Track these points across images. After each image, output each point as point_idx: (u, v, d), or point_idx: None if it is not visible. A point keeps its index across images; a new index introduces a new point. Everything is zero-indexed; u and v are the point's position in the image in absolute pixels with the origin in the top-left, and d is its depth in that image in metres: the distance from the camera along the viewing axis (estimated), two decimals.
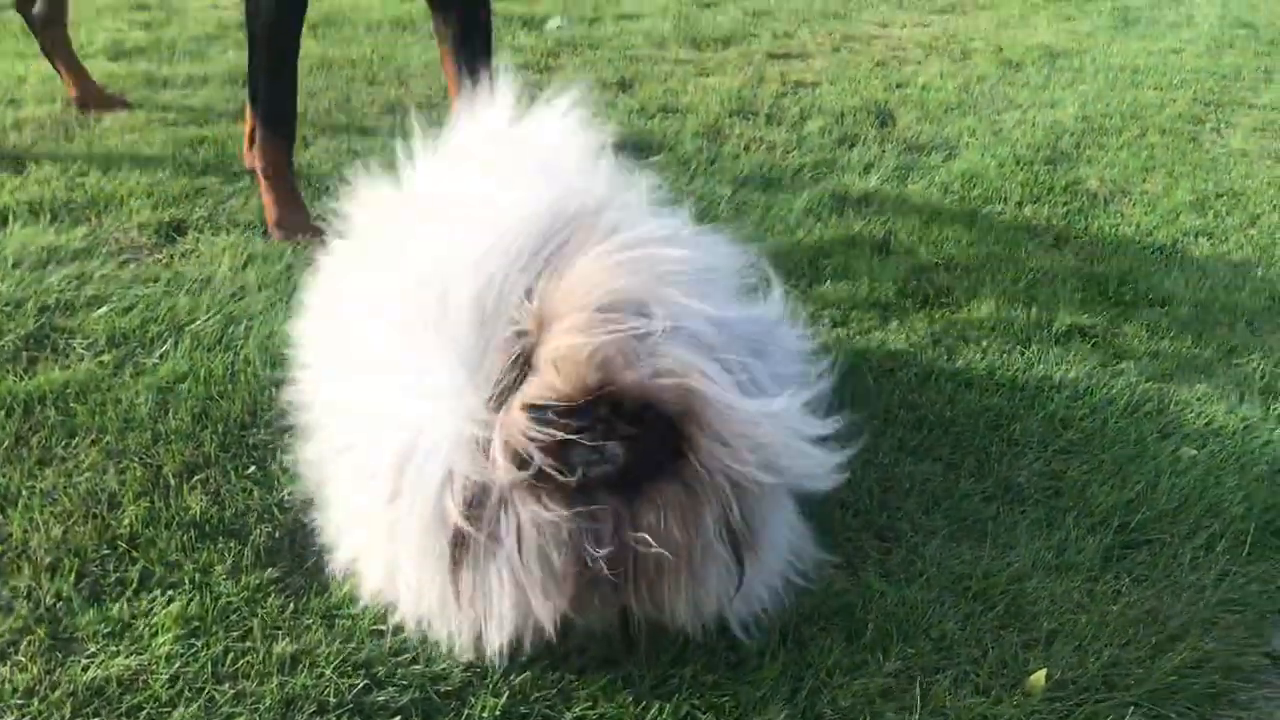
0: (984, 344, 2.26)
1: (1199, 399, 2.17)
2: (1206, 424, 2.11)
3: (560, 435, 1.26)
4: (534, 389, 1.29)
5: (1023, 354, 2.25)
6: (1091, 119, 3.51)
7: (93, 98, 2.94)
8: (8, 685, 1.33)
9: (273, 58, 2.25)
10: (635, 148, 3.05)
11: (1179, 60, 4.23)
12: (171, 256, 2.26)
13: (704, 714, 1.41)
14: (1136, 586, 1.70)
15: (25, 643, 1.39)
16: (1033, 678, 1.53)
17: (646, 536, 1.31)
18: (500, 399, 1.32)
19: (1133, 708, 1.49)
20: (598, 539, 1.31)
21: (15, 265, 2.14)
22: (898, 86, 3.66)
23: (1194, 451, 2.03)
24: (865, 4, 4.65)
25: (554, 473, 1.27)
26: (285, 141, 2.29)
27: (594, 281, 1.34)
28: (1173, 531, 1.82)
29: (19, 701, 1.31)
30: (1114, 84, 3.86)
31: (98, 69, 3.16)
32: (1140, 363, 2.26)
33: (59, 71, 2.94)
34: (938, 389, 2.10)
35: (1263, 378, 2.27)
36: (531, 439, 1.27)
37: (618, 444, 1.27)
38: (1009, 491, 1.87)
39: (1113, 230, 2.80)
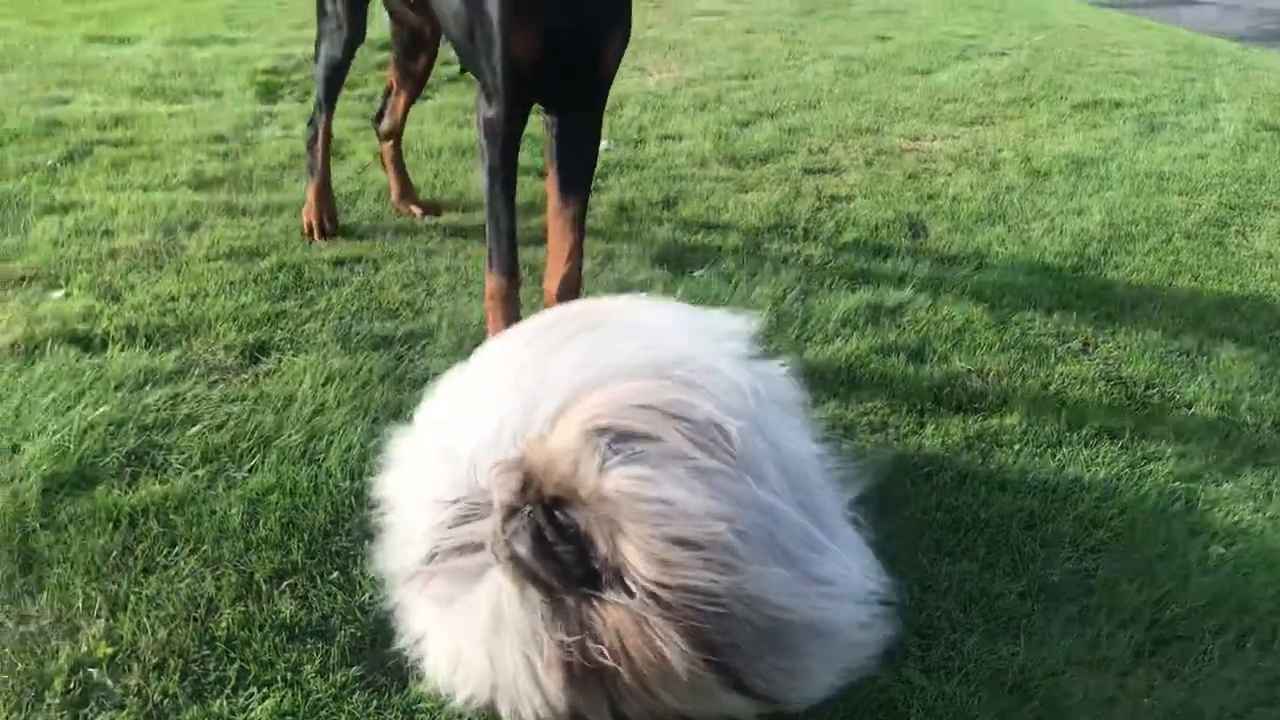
0: (1016, 447, 2.38)
1: (1227, 498, 2.27)
2: (1235, 523, 2.20)
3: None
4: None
5: (1054, 457, 2.36)
6: (1118, 225, 3.65)
7: (409, 200, 3.51)
8: None
9: (491, 208, 2.54)
10: (679, 262, 3.23)
11: (1204, 165, 4.37)
12: (256, 376, 2.45)
13: None
14: (1168, 681, 1.79)
15: None
16: None
17: (601, 647, 1.40)
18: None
19: None
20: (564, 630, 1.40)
21: (117, 388, 2.33)
22: (929, 198, 3.83)
23: (1222, 550, 2.12)
24: (896, 118, 4.85)
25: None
26: (505, 280, 2.52)
27: (596, 406, 1.49)
28: (1203, 628, 1.91)
29: None
30: (1140, 190, 4.01)
31: (183, 201, 3.41)
32: (1168, 464, 2.36)
33: (388, 175, 3.54)
34: (973, 491, 2.22)
35: None
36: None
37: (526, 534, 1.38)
38: (1043, 590, 1.97)
39: (1139, 335, 2.92)
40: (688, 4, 7.60)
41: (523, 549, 1.34)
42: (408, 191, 3.52)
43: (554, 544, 1.35)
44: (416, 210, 3.47)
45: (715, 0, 7.84)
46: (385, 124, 3.50)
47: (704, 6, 7.54)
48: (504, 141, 2.50)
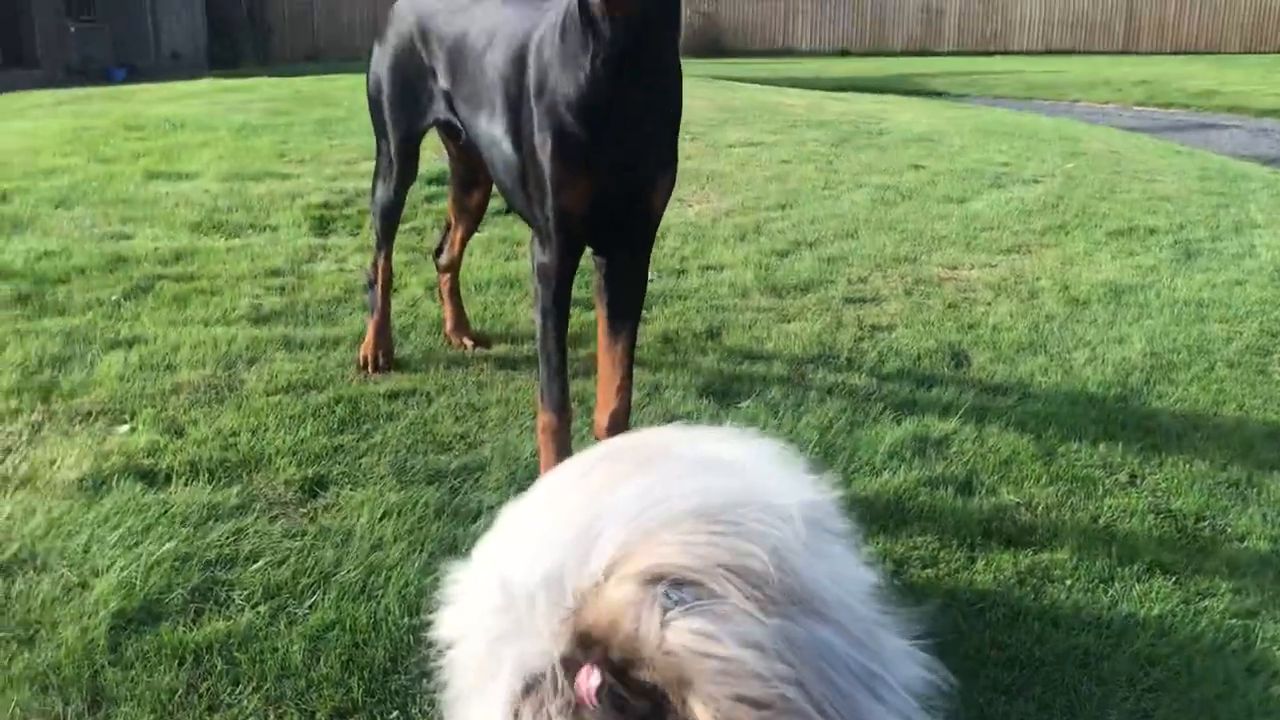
0: (1068, 583, 2.38)
1: None
2: None
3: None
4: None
5: (1106, 592, 2.36)
6: (1159, 354, 3.68)
7: (463, 332, 3.63)
8: None
9: (544, 347, 2.63)
10: (724, 393, 3.29)
11: (1243, 292, 4.41)
12: (315, 511, 2.51)
13: None
14: None
15: None
16: None
17: None
18: None
19: None
20: None
21: (182, 523, 2.39)
22: (970, 327, 3.88)
23: None
24: (934, 247, 4.94)
25: None
26: (556, 416, 2.60)
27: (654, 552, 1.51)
28: None
29: None
30: (1179, 318, 4.04)
31: (243, 335, 3.52)
32: (1223, 600, 2.35)
33: (444, 307, 3.68)
34: (1026, 628, 2.22)
35: None
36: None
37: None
38: None
39: (1187, 466, 2.93)
40: (723, 135, 7.83)
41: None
42: (461, 323, 3.62)
43: (634, 706, 1.36)
44: (469, 342, 3.56)
45: (750, 132, 8.07)
46: (444, 258, 3.62)
47: (739, 138, 7.76)
48: (557, 285, 2.60)
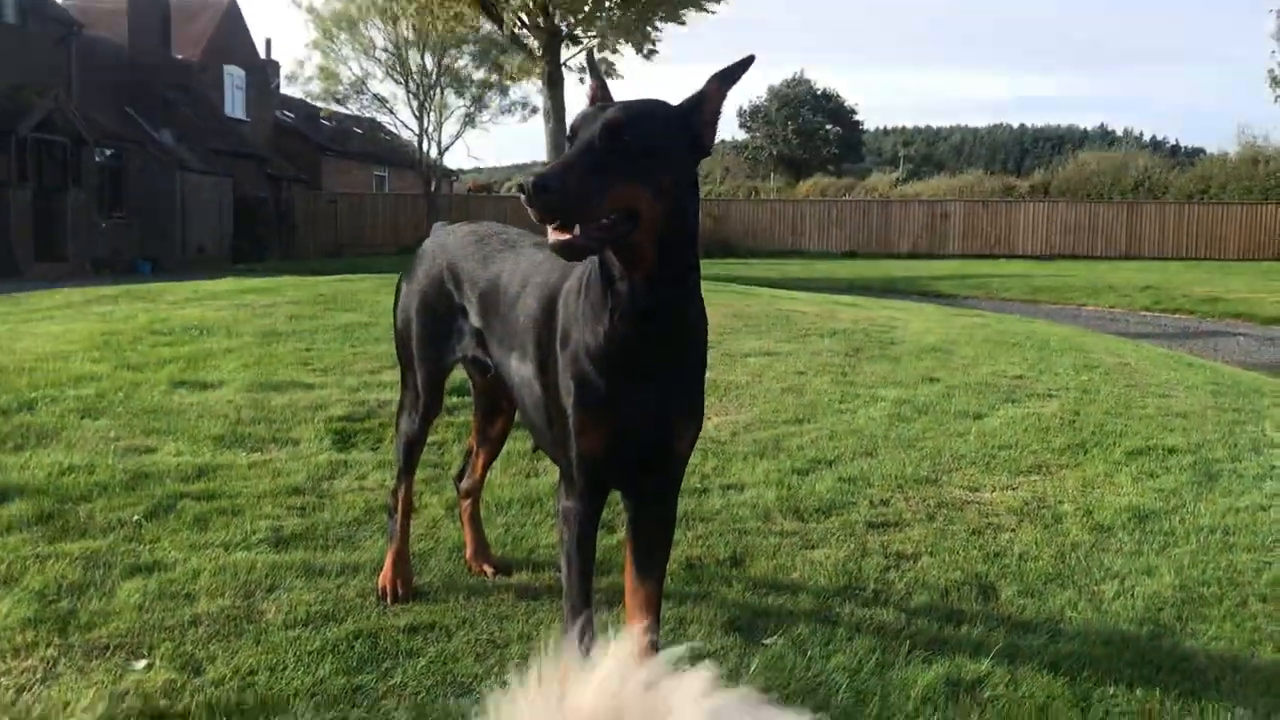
0: None
1: None
2: None
3: None
4: None
5: None
6: (1189, 588, 3.63)
7: (484, 559, 3.60)
8: None
9: (568, 593, 2.61)
10: (750, 628, 3.23)
11: (1268, 517, 4.37)
12: None
13: None
14: None
15: None
16: None
17: None
18: None
19: None
20: None
21: None
22: (995, 556, 3.84)
23: None
24: (954, 467, 4.94)
25: None
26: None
27: None
28: None
29: None
30: (1206, 547, 4.00)
31: (262, 561, 3.50)
32: None
33: (465, 532, 3.66)
34: None
35: None
36: None
37: None
38: None
39: (1228, 714, 2.84)
40: (738, 344, 7.96)
41: None
42: (482, 550, 3.59)
43: None
44: (489, 569, 3.53)
45: (765, 341, 8.21)
46: (465, 483, 3.63)
47: (754, 347, 7.89)
48: (580, 530, 2.60)
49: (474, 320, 3.10)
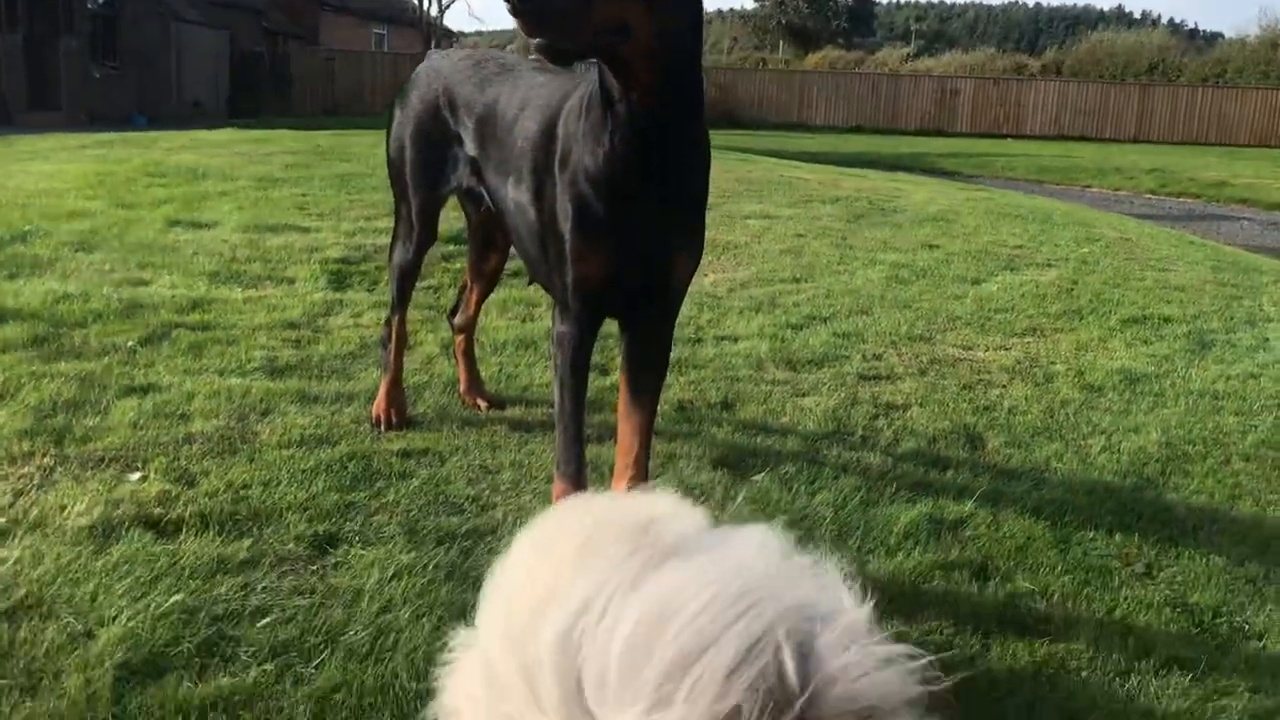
0: (1084, 674, 2.34)
1: None
2: None
3: None
4: None
5: (1123, 686, 2.32)
6: (1174, 445, 3.67)
7: (477, 393, 3.63)
8: None
9: (561, 415, 2.61)
10: (738, 465, 3.27)
11: (1257, 385, 4.40)
12: (325, 568, 2.48)
13: None
14: None
15: None
16: None
17: None
18: None
19: None
20: None
21: (191, 576, 2.37)
22: (984, 409, 3.87)
23: None
24: (948, 326, 4.95)
25: None
26: (571, 485, 2.58)
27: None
28: None
29: None
30: (1195, 410, 4.03)
31: (257, 387, 3.52)
32: (1241, 698, 2.31)
33: (458, 367, 3.68)
34: None
35: None
36: None
37: None
38: None
39: (1204, 560, 2.90)
40: (739, 207, 7.89)
41: None
42: (475, 384, 3.61)
43: None
44: (483, 403, 3.56)
45: (766, 205, 8.14)
46: (459, 318, 3.63)
47: (754, 210, 7.82)
48: (574, 355, 2.59)
49: (470, 148, 3.04)
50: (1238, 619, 2.64)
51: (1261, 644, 2.55)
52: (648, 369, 2.70)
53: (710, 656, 1.55)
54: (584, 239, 2.49)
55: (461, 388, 3.63)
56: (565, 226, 2.51)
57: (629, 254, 2.49)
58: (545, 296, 4.90)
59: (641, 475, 2.69)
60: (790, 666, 1.47)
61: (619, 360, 2.80)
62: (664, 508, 2.11)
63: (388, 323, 3.44)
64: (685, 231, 2.58)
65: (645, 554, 1.79)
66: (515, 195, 2.79)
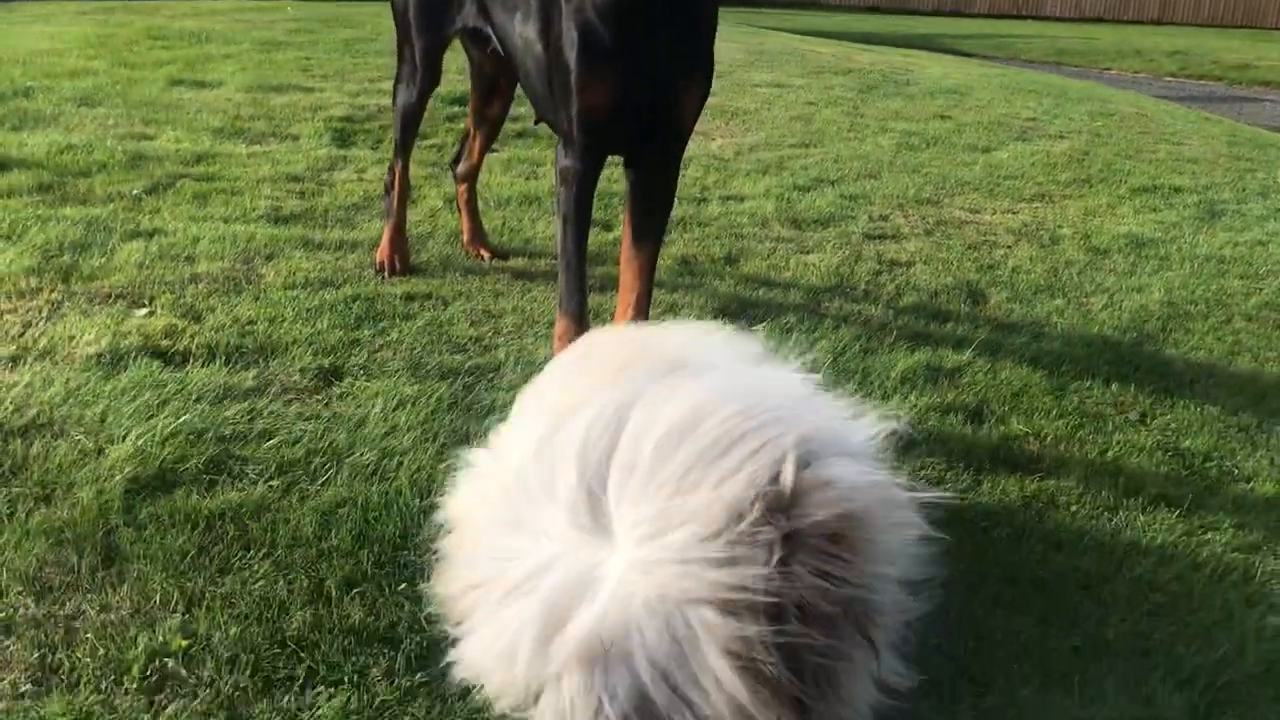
0: (1073, 509, 2.39)
1: None
2: None
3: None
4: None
5: (1110, 520, 2.37)
6: (1177, 304, 3.67)
7: (480, 244, 3.62)
8: None
9: (564, 252, 2.62)
10: (739, 316, 3.29)
11: (1265, 252, 4.38)
12: (330, 398, 2.53)
13: None
14: None
15: None
16: None
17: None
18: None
19: None
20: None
21: (197, 400, 2.41)
22: (988, 268, 3.87)
23: None
24: (956, 191, 4.91)
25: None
26: (574, 323, 2.60)
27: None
28: (1261, 695, 1.90)
29: None
30: (1199, 272, 4.03)
31: (262, 233, 3.53)
32: (1226, 534, 2.36)
33: (462, 218, 3.66)
34: (1029, 549, 2.23)
35: None
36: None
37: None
38: (1097, 647, 1.98)
39: (1198, 410, 2.93)
40: (750, 76, 7.77)
41: None
42: (479, 234, 3.61)
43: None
44: (486, 254, 3.56)
45: (777, 74, 8.00)
46: (462, 167, 3.61)
47: (765, 79, 7.70)
48: (578, 190, 2.59)
49: None
50: (1228, 463, 2.68)
51: (1249, 486, 2.59)
52: (652, 210, 2.70)
53: (736, 453, 1.59)
54: (590, 67, 2.46)
55: (465, 238, 3.63)
56: (571, 55, 2.47)
57: (635, 82, 2.46)
58: (550, 154, 4.87)
59: (643, 317, 2.71)
60: (789, 470, 1.51)
61: (622, 215, 2.79)
62: (700, 334, 2.15)
63: (391, 169, 3.42)
64: (692, 59, 2.54)
65: (683, 371, 1.83)
66: (523, 30, 2.76)
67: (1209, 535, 2.35)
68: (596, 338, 2.17)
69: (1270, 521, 2.44)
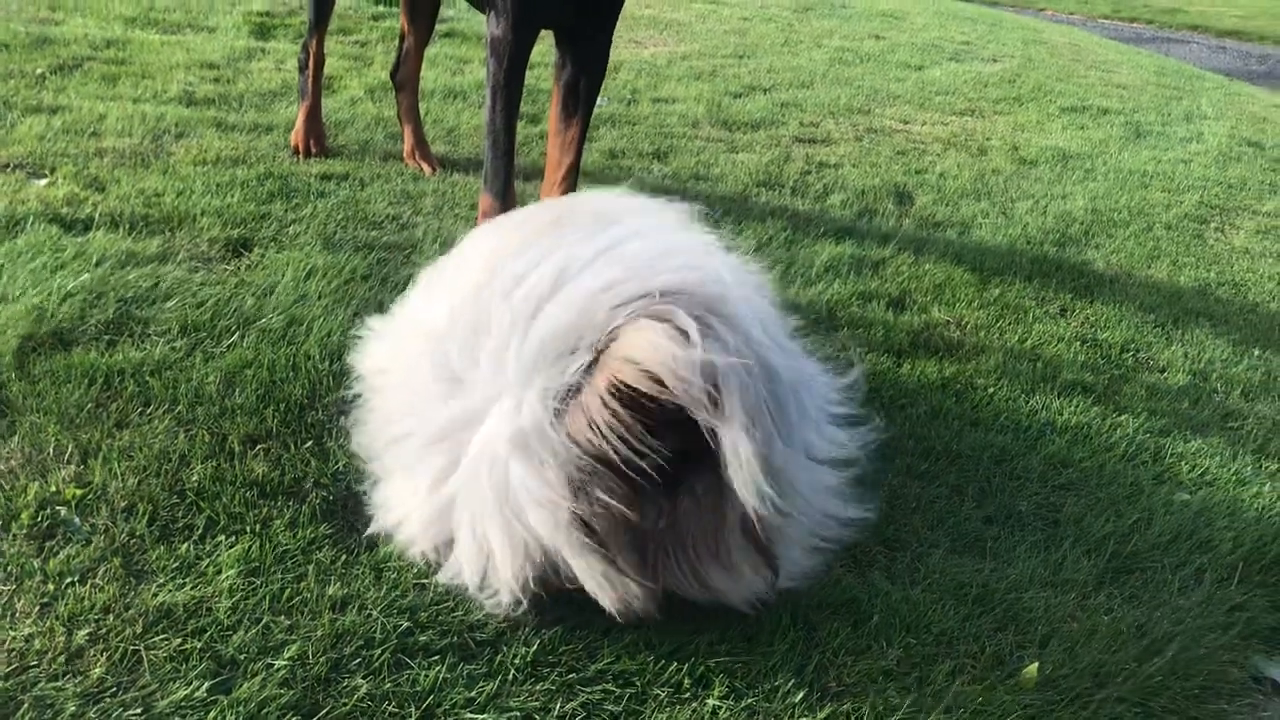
0: (990, 390, 2.40)
1: (1194, 453, 2.30)
2: (1200, 475, 2.23)
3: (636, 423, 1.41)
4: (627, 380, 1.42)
5: (1026, 401, 2.39)
6: (1100, 212, 3.70)
7: (422, 157, 3.36)
8: (87, 602, 1.45)
9: (491, 127, 2.55)
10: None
11: (1187, 169, 4.43)
12: (239, 267, 2.44)
13: (718, 676, 1.52)
14: (1127, 604, 1.81)
15: (102, 570, 1.52)
16: (1025, 671, 1.64)
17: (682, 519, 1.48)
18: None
19: (1120, 703, 1.60)
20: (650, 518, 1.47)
21: (98, 264, 2.31)
22: (916, 172, 3.86)
23: (1187, 496, 2.15)
24: (888, 102, 4.89)
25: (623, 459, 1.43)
26: (498, 200, 2.55)
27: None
28: (1164, 561, 1.94)
29: (96, 616, 1.44)
30: (1124, 184, 4.06)
31: (173, 114, 3.38)
32: (1138, 418, 2.39)
33: (403, 128, 3.41)
34: (945, 424, 2.24)
35: (1256, 440, 2.40)
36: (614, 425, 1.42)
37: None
38: (1010, 517, 1.99)
39: (1116, 306, 2.96)
40: None
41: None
42: (421, 145, 3.38)
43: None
44: (427, 168, 3.35)
45: None
46: (401, 73, 3.40)
47: None
48: (509, 60, 2.50)
49: None
50: (1144, 355, 2.71)
51: (1164, 375, 2.63)
52: (581, 83, 2.63)
53: (603, 298, 1.58)
54: None
55: (405, 148, 3.45)
56: None
57: None
58: (477, 53, 4.74)
59: (569, 191, 2.65)
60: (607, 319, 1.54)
61: (551, 91, 2.71)
62: (620, 197, 2.12)
63: (304, 46, 3.28)
64: None
65: (613, 228, 1.82)
66: None
67: (1122, 418, 2.38)
68: (531, 206, 2.13)
69: (1182, 408, 2.48)
